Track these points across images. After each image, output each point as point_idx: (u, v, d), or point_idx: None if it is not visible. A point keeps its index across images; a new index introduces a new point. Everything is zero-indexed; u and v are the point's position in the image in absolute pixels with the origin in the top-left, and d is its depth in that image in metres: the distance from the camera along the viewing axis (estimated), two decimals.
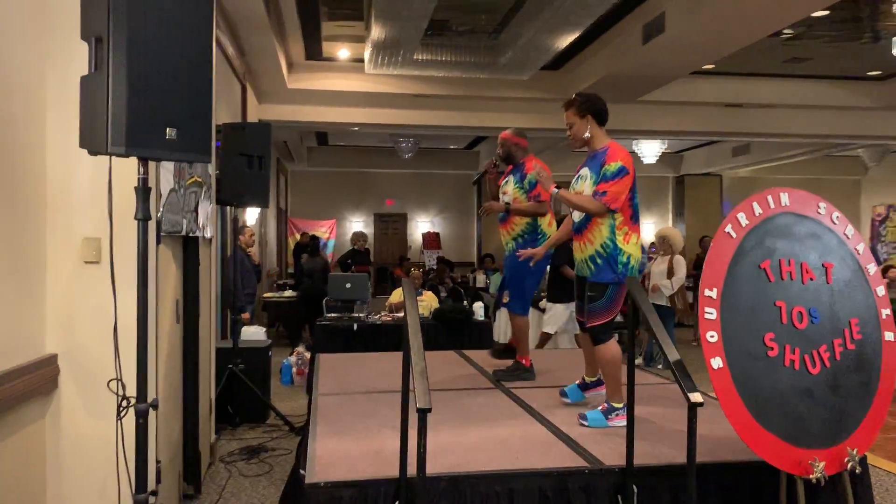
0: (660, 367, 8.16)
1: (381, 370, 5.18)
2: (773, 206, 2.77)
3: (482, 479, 2.91)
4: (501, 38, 8.95)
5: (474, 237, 18.44)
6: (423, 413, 2.38)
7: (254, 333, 6.58)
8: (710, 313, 2.56)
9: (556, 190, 3.84)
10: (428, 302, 7.91)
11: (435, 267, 14.14)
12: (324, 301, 8.19)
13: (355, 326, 6.98)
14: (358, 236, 12.32)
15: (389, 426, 3.64)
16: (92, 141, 2.40)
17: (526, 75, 9.79)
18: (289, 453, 5.15)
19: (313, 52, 10.26)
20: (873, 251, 17.77)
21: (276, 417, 5.93)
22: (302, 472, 3.13)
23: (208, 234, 4.57)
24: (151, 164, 2.84)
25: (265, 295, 10.91)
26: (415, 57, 9.00)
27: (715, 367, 2.54)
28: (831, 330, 2.75)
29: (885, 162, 17.65)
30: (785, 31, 9.02)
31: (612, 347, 3.63)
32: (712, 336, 2.55)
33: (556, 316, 7.36)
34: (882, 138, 13.74)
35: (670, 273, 8.06)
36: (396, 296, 8.01)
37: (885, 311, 2.91)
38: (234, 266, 5.94)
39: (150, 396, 2.71)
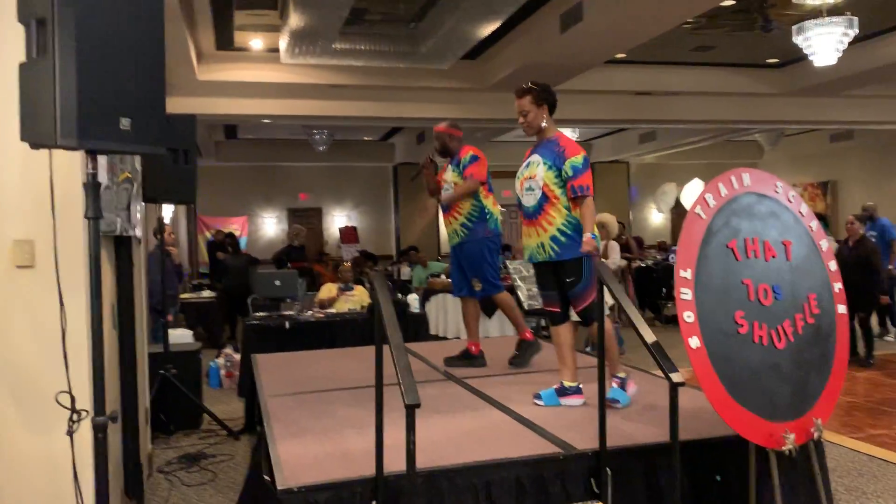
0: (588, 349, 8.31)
1: (325, 369, 5.04)
2: (736, 186, 2.83)
3: (458, 472, 2.86)
4: (421, 26, 8.87)
5: (392, 230, 18.33)
6: (411, 409, 2.30)
7: (181, 336, 6.29)
8: (686, 294, 2.60)
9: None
10: (359, 296, 7.78)
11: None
12: (249, 299, 7.94)
13: (287, 325, 6.77)
14: (295, 231, 11.81)
15: (350, 425, 3.54)
16: (36, 133, 2.20)
17: (446, 64, 9.76)
18: (230, 459, 4.95)
19: (225, 41, 9.90)
20: None
21: (211, 423, 5.69)
22: (267, 478, 3.00)
23: (139, 234, 4.32)
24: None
25: (182, 296, 10.47)
26: (333, 46, 8.81)
27: (693, 346, 2.57)
28: (793, 305, 2.84)
29: (780, 145, 18.63)
30: (692, 20, 9.31)
31: (608, 325, 3.62)
32: (689, 316, 2.58)
33: None
34: (778, 123, 14.47)
35: (605, 257, 8.26)
36: (326, 292, 7.83)
37: (837, 285, 3.03)
38: (161, 267, 5.64)
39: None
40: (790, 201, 2.97)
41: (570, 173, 3.61)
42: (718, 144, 18.14)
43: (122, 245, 3.94)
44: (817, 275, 2.96)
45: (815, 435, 2.78)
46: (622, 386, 3.67)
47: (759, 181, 2.90)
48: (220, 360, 7.39)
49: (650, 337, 2.59)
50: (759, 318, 2.72)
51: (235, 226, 16.57)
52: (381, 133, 16.98)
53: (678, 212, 17.96)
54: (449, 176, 4.74)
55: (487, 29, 8.39)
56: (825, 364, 2.89)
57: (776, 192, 2.94)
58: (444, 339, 7.99)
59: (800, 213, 2.99)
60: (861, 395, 6.54)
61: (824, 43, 8.95)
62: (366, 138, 17.53)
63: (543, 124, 3.82)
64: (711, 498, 3.02)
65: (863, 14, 8.62)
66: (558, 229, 3.61)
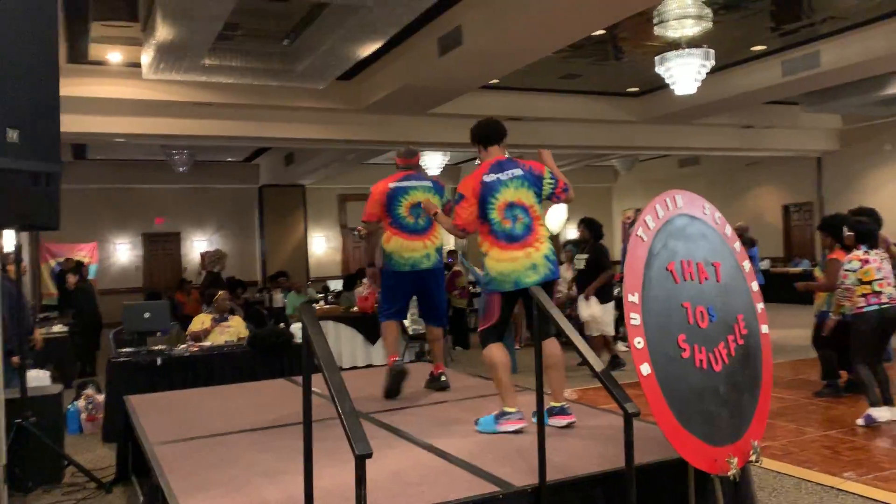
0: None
1: (213, 409, 4.62)
2: (671, 208, 2.81)
3: None
4: (297, 44, 8.56)
5: (258, 254, 17.60)
6: (361, 460, 2.05)
7: (37, 378, 5.59)
8: (635, 319, 2.52)
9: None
10: (236, 327, 7.30)
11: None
12: (111, 334, 7.26)
13: (159, 361, 6.20)
14: (214, 257, 10.55)
15: (258, 473, 3.21)
16: None
17: (322, 84, 9.49)
18: None
19: (78, 54, 9.13)
20: (625, 251, 19.68)
21: (76, 474, 5.06)
22: None
23: None
24: None
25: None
26: (202, 62, 8.32)
27: (644, 373, 2.50)
28: (725, 327, 2.84)
29: (634, 170, 19.67)
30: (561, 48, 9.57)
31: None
32: (639, 342, 2.50)
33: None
34: (635, 148, 15.26)
35: None
36: (199, 323, 7.29)
37: (760, 306, 3.08)
38: (13, 301, 4.98)
39: None
40: (717, 223, 2.99)
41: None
42: (578, 169, 18.88)
43: None
44: (743, 296, 2.99)
45: (753, 457, 2.78)
46: (497, 417, 3.63)
47: (690, 202, 2.90)
48: (81, 403, 6.66)
49: (599, 366, 2.49)
50: (698, 342, 2.70)
51: (84, 252, 15.29)
52: (245, 154, 16.33)
53: None
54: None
55: (368, 49, 8.22)
56: (755, 385, 2.92)
57: (704, 213, 2.95)
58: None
59: (725, 234, 3.02)
60: None
61: (684, 73, 9.47)
62: (229, 159, 16.80)
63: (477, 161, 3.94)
64: None
65: (716, 47, 9.20)
66: (550, 248, 3.71)
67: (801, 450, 4.99)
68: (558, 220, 17.25)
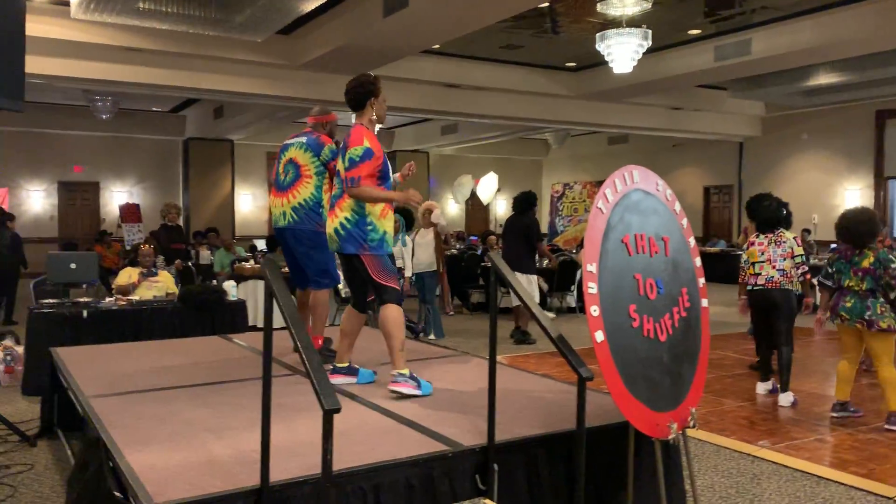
0: (432, 336, 8.35)
1: (146, 364, 4.51)
2: (628, 182, 2.89)
3: (348, 477, 2.65)
4: None
5: (181, 209, 17.08)
6: (329, 415, 2.06)
7: None
8: (592, 288, 2.60)
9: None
10: (164, 282, 7.11)
11: (136, 242, 12.75)
12: (31, 284, 6.97)
13: (85, 314, 6.00)
14: (169, 208, 10.27)
15: (203, 429, 3.17)
16: None
17: (261, 37, 9.24)
18: (30, 469, 4.27)
19: None
20: (552, 225, 20.05)
21: None
22: (118, 494, 2.59)
23: None
24: None
25: None
26: (137, 6, 7.95)
27: (598, 340, 2.58)
28: (671, 300, 2.96)
29: (565, 145, 19.98)
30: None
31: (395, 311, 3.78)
32: (594, 310, 2.59)
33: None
34: (569, 123, 15.49)
35: (438, 239, 8.58)
36: (125, 277, 7.06)
37: (702, 280, 3.22)
38: None
39: None
40: (668, 199, 3.09)
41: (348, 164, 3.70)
42: (511, 141, 19.06)
43: None
44: (688, 270, 3.12)
45: (691, 423, 2.93)
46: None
47: (644, 178, 2.99)
48: None
49: (555, 331, 2.56)
50: (647, 312, 2.81)
51: None
52: (172, 104, 15.76)
53: (473, 203, 18.61)
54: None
55: (312, 4, 8.03)
56: (694, 356, 3.06)
57: (657, 189, 3.05)
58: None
59: (674, 210, 3.13)
60: None
61: (622, 52, 9.66)
62: (154, 109, 16.18)
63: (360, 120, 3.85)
64: (593, 485, 3.07)
65: (653, 29, 9.40)
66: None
67: (720, 419, 5.27)
68: (489, 190, 17.37)
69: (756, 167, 16.87)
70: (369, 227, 3.70)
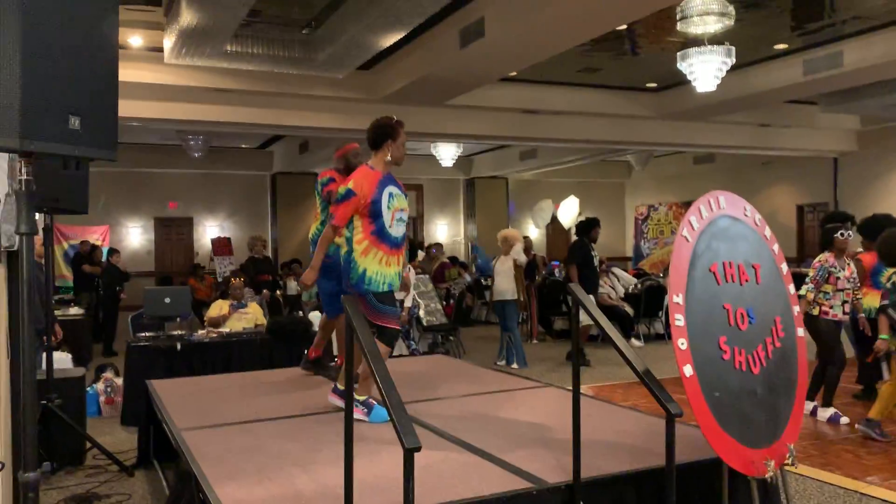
0: (514, 366, 8.30)
1: (238, 396, 4.64)
2: (714, 208, 2.79)
3: None
4: (318, 33, 8.54)
5: (269, 241, 17.62)
6: (410, 453, 2.05)
7: (60, 361, 5.62)
8: (679, 320, 2.51)
9: None
10: (254, 314, 7.32)
11: (227, 274, 13.19)
12: (129, 318, 7.30)
13: (179, 346, 6.23)
14: (256, 240, 10.94)
15: (290, 463, 3.21)
16: None
17: (342, 73, 9.46)
18: (128, 499, 4.43)
19: None
20: (637, 248, 19.63)
21: (97, 457, 5.09)
22: None
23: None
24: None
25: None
26: (225, 48, 8.30)
27: (687, 374, 2.49)
28: (763, 330, 2.83)
29: (647, 166, 19.59)
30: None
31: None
32: (682, 343, 2.50)
33: None
34: (651, 144, 15.18)
35: (518, 269, 8.55)
36: (216, 309, 7.31)
37: (796, 308, 3.07)
38: (40, 284, 5.00)
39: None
40: (757, 225, 2.97)
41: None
42: (592, 164, 18.81)
43: (12, 260, 3.41)
44: (781, 298, 2.98)
45: (789, 461, 2.78)
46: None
47: (731, 203, 2.88)
48: (100, 386, 6.69)
49: (641, 366, 2.48)
50: (738, 344, 2.69)
51: (96, 235, 15.37)
52: (259, 141, 16.33)
53: (554, 227, 18.44)
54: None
55: (391, 39, 8.19)
56: (791, 388, 2.91)
57: (745, 214, 2.93)
58: None
59: (764, 236, 3.00)
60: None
61: (705, 70, 9.42)
62: (243, 146, 16.80)
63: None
64: None
65: (737, 45, 9.14)
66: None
67: (822, 453, 4.99)
68: (570, 214, 17.18)
69: (853, 183, 16.08)
70: (350, 264, 3.77)
